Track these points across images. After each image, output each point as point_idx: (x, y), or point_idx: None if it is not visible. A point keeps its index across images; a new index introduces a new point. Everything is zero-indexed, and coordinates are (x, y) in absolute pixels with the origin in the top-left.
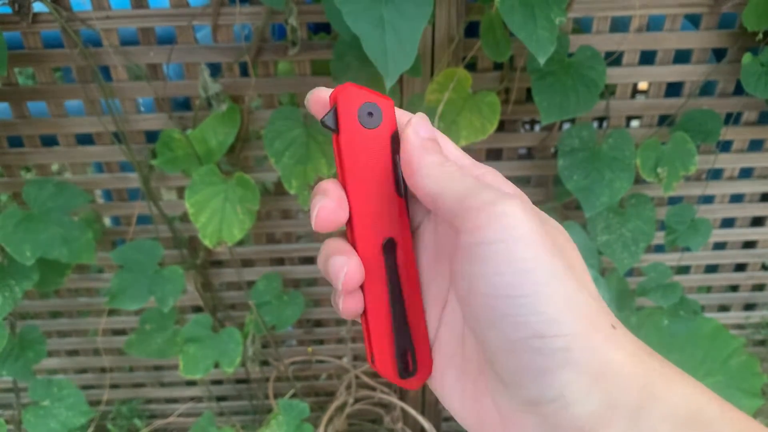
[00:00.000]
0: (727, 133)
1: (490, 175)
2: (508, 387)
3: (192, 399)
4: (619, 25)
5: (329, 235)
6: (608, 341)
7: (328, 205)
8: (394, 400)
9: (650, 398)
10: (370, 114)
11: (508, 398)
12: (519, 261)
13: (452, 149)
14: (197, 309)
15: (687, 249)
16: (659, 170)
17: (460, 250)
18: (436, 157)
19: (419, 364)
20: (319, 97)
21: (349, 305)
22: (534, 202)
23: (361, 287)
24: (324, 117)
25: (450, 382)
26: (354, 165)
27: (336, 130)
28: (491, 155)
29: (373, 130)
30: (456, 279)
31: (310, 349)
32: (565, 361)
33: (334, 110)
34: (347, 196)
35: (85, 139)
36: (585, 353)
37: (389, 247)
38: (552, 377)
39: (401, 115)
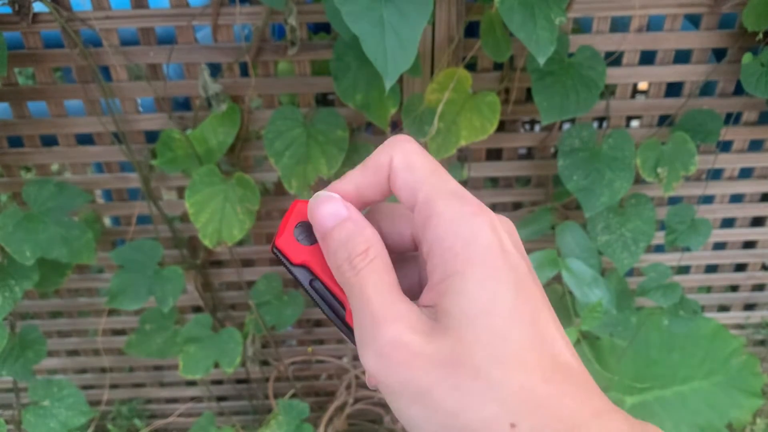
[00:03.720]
0: (727, 133)
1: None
2: None
3: (192, 399)
4: (619, 25)
5: None
6: None
7: None
8: None
9: None
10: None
11: None
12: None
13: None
14: (197, 309)
15: (687, 249)
16: (659, 170)
17: None
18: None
19: None
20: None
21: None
22: (534, 203)
23: None
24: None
25: None
26: None
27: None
28: (491, 155)
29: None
30: None
31: (310, 349)
32: None
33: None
34: None
35: (85, 139)
36: None
37: None
38: None
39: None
